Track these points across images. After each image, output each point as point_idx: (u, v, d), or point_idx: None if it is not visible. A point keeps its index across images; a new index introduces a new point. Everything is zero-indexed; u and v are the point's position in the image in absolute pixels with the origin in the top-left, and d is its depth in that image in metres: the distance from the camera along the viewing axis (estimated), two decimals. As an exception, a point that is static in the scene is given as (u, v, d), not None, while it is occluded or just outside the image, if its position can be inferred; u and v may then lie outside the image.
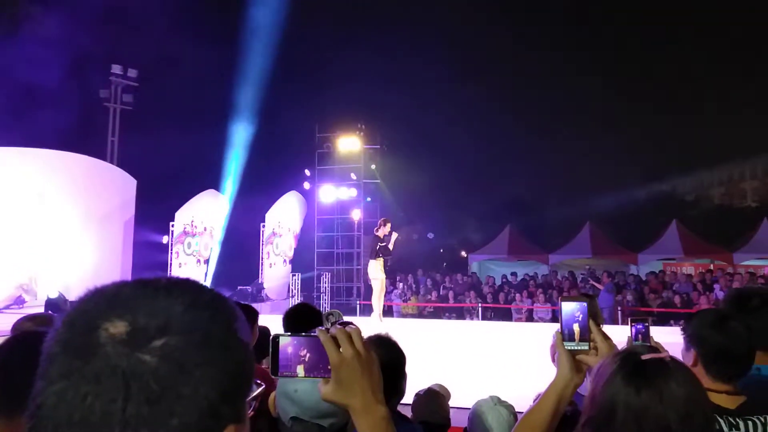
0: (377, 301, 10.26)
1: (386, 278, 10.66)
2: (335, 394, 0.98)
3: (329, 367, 0.98)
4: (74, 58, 15.02)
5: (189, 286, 0.66)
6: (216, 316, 0.64)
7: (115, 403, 0.55)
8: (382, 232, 9.93)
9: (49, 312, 9.06)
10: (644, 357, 1.12)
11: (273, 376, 1.03)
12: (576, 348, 1.34)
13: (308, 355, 0.99)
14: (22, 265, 12.12)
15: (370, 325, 9.85)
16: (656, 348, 1.22)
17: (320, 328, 1.02)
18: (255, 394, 0.68)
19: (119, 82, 18.64)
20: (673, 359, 1.13)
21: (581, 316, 1.35)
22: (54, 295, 10.80)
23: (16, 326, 2.47)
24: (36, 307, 11.06)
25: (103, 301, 0.62)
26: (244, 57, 20.25)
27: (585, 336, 1.34)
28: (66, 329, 0.60)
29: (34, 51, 15.41)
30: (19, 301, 11.82)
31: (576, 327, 1.35)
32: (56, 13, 15.54)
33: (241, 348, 0.65)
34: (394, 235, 9.99)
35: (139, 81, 18.76)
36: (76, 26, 15.90)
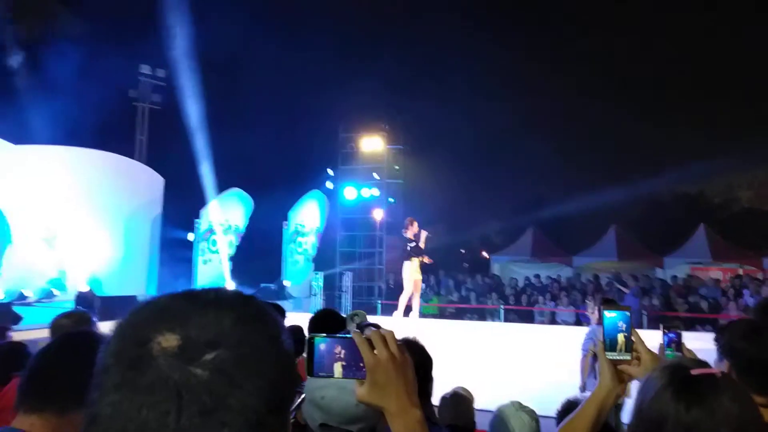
0: (415, 301, 10.14)
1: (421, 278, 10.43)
2: (370, 396, 0.99)
3: (364, 368, 0.99)
4: (104, 57, 15.33)
5: (237, 299, 0.68)
6: (263, 329, 0.66)
7: (168, 415, 0.56)
8: (410, 232, 9.79)
9: (80, 308, 9.29)
10: (694, 372, 1.09)
11: (309, 376, 1.05)
12: (618, 358, 1.33)
13: (343, 356, 1.00)
14: (52, 260, 12.41)
15: (403, 325, 9.87)
16: (704, 362, 1.20)
17: (355, 329, 1.03)
18: (296, 403, 0.70)
19: (148, 81, 18.99)
20: (724, 374, 1.11)
21: (625, 325, 1.35)
22: (84, 289, 11.05)
23: (54, 323, 2.56)
24: (66, 301, 11.32)
25: (153, 314, 0.64)
26: (270, 56, 20.44)
27: (627, 346, 1.34)
28: (118, 341, 0.62)
29: (64, 51, 15.78)
30: (49, 295, 12.11)
31: (621, 337, 1.34)
32: (86, 13, 15.90)
33: (286, 360, 0.67)
34: (424, 234, 9.84)
35: (167, 80, 19.07)
36: (106, 26, 16.24)
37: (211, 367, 0.59)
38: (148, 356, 0.59)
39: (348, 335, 1.02)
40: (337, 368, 1.00)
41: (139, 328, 0.62)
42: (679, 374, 1.11)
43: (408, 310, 10.21)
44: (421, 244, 9.77)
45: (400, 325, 9.78)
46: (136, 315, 0.65)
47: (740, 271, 15.79)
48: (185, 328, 0.61)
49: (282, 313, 3.12)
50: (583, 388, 5.69)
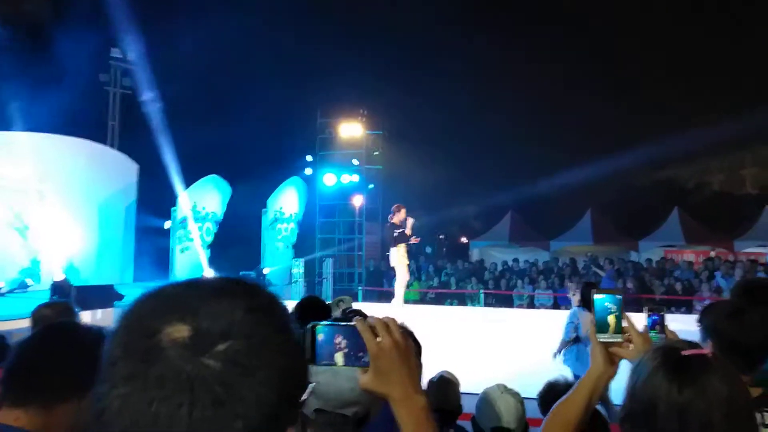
0: (399, 288, 10.21)
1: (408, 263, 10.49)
2: (374, 384, 0.99)
3: (366, 356, 0.98)
4: (74, 41, 14.88)
5: (246, 289, 0.67)
6: (273, 318, 0.65)
7: (181, 408, 0.55)
8: (397, 219, 9.81)
9: (56, 297, 9.10)
10: (685, 352, 1.11)
11: (311, 365, 1.04)
12: (609, 340, 1.34)
13: (345, 344, 0.99)
14: (25, 249, 12.14)
15: (390, 312, 9.90)
16: (696, 343, 1.22)
17: (357, 317, 1.02)
18: (307, 393, 0.69)
19: (119, 65, 18.53)
20: (714, 354, 1.13)
21: (615, 307, 1.36)
22: (59, 278, 10.83)
23: (36, 313, 2.50)
24: (40, 290, 11.10)
25: (160, 304, 0.62)
26: (247, 41, 20.10)
27: (618, 328, 1.35)
28: (125, 333, 0.60)
29: (33, 35, 15.29)
30: (23, 285, 11.86)
31: (612, 318, 1.35)
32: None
33: (296, 349, 0.67)
34: (410, 220, 9.86)
35: (138, 65, 18.63)
36: (75, 9, 15.76)
37: (223, 358, 0.58)
38: (157, 348, 0.57)
39: (350, 323, 1.00)
40: (339, 357, 0.99)
41: (146, 318, 0.61)
42: (671, 355, 1.12)
43: (390, 296, 10.26)
44: (408, 231, 9.80)
45: (392, 313, 9.83)
46: (142, 305, 0.63)
47: (712, 254, 16.20)
48: (196, 318, 0.60)
49: None
50: (555, 356, 5.78)
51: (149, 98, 16.27)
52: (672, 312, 10.96)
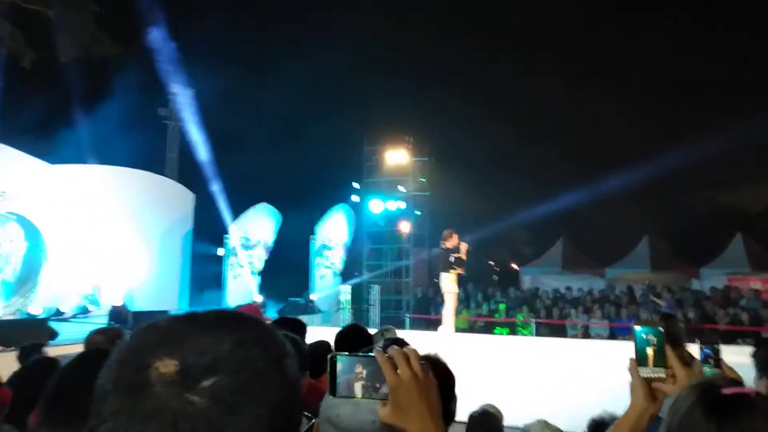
0: (450, 314, 10.07)
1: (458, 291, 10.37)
2: (393, 417, 0.96)
3: (386, 388, 0.96)
4: (136, 78, 15.81)
5: (237, 321, 0.65)
6: (264, 353, 0.63)
7: None
8: (451, 244, 9.71)
9: (114, 323, 9.48)
10: (726, 391, 1.05)
11: (331, 396, 1.03)
12: (652, 375, 1.28)
13: (365, 375, 0.98)
14: (87, 276, 12.74)
15: (443, 340, 9.79)
16: (737, 380, 1.14)
17: (377, 348, 1.01)
18: (305, 429, 0.68)
19: (178, 100, 19.48)
20: (758, 394, 1.06)
21: (656, 340, 1.30)
22: (118, 304, 11.28)
23: (88, 339, 2.60)
24: (100, 316, 11.59)
25: (153, 338, 0.62)
26: (295, 72, 20.76)
27: (660, 362, 1.29)
28: (118, 366, 0.61)
29: (98, 72, 16.33)
30: (84, 311, 12.41)
31: (650, 351, 1.29)
32: (120, 37, 16.43)
33: (289, 386, 0.64)
34: (464, 246, 9.75)
35: (195, 99, 19.53)
36: (138, 48, 16.75)
37: (208, 395, 0.57)
38: (146, 383, 0.57)
39: (370, 354, 0.99)
40: (358, 388, 0.98)
41: (138, 353, 0.60)
42: (710, 393, 1.07)
43: (438, 323, 10.09)
44: (463, 256, 9.67)
45: (437, 340, 9.71)
46: (136, 339, 0.63)
47: (781, 281, 15.21)
48: (183, 353, 0.59)
49: (302, 328, 3.10)
50: None
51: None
52: (738, 344, 10.31)
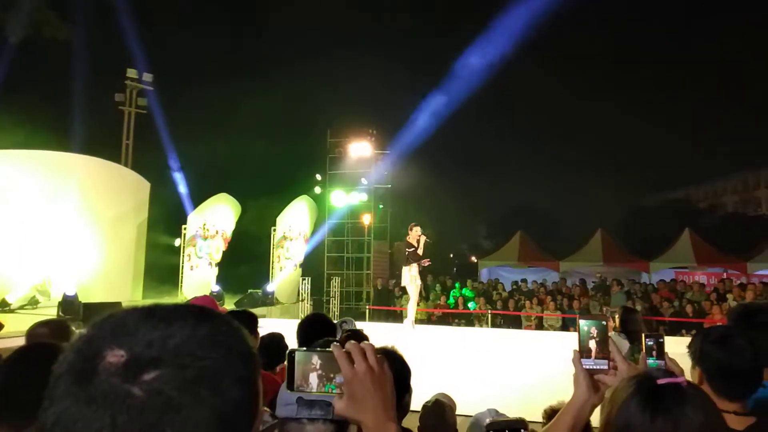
0: (411, 307, 10.15)
1: (421, 283, 10.42)
2: (347, 410, 0.97)
3: (342, 382, 0.98)
4: (90, 62, 15.25)
5: (193, 315, 0.63)
6: (215, 350, 0.61)
7: None
8: (413, 238, 9.81)
9: (63, 315, 9.17)
10: (660, 381, 1.11)
11: (289, 391, 1.04)
12: (594, 366, 1.33)
13: (321, 369, 1.00)
14: (37, 266, 12.27)
15: (403, 332, 9.87)
16: (672, 371, 1.20)
17: (335, 342, 1.02)
18: (264, 429, 0.66)
19: (134, 86, 18.90)
20: (689, 384, 1.12)
21: (598, 333, 1.34)
22: (69, 295, 10.91)
23: (31, 332, 2.51)
24: (50, 307, 11.19)
25: (109, 327, 0.61)
26: (258, 63, 20.43)
27: (603, 354, 1.33)
28: (73, 352, 0.60)
29: (51, 56, 15.68)
30: (33, 302, 11.96)
31: (593, 344, 1.34)
32: (73, 19, 15.81)
33: (240, 386, 0.61)
34: (423, 239, 9.85)
35: (154, 85, 18.99)
36: (92, 32, 16.15)
37: (148, 388, 0.56)
38: (93, 371, 0.57)
39: (327, 349, 1.01)
40: (313, 379, 1.00)
41: (93, 341, 0.60)
42: (645, 384, 1.12)
43: (397, 315, 10.21)
44: (420, 250, 9.77)
45: (396, 332, 9.79)
46: (95, 328, 0.62)
47: (724, 275, 15.96)
48: (132, 345, 0.58)
49: (253, 320, 3.08)
50: None
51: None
52: (683, 335, 10.79)
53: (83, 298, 11.09)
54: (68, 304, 10.74)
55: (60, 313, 10.19)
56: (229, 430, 0.60)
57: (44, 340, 2.06)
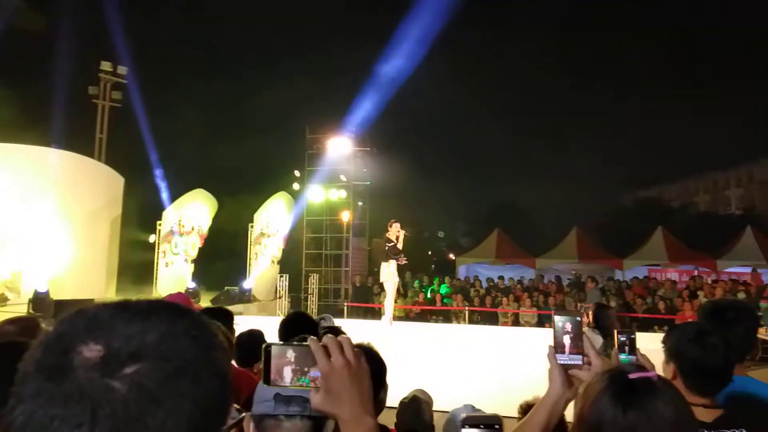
0: (389, 304, 10.17)
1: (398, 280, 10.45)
2: (324, 404, 0.97)
3: (319, 376, 0.97)
4: (64, 54, 14.91)
5: (168, 311, 0.64)
6: (193, 344, 0.62)
7: (80, 429, 0.54)
8: (392, 234, 9.81)
9: (35, 312, 8.96)
10: (632, 376, 1.13)
11: (265, 385, 1.03)
12: (568, 362, 1.34)
13: (297, 364, 0.99)
14: (6, 262, 11.96)
15: (381, 328, 9.88)
16: (644, 366, 1.23)
17: (312, 337, 1.01)
18: (233, 423, 0.67)
19: (108, 78, 18.52)
20: (660, 378, 1.14)
21: (572, 328, 1.36)
22: (40, 292, 10.68)
23: (-2, 330, 2.44)
24: (20, 304, 10.92)
25: (81, 322, 0.61)
26: (235, 57, 20.19)
27: (577, 350, 1.35)
28: (42, 349, 0.59)
29: (24, 47, 15.28)
30: (2, 299, 11.66)
31: (567, 340, 1.35)
32: (47, 10, 15.42)
33: (217, 380, 0.63)
34: (402, 234, 9.86)
35: (128, 78, 18.65)
36: (66, 23, 15.78)
37: (129, 382, 0.56)
38: (68, 366, 0.56)
39: (303, 343, 1.00)
40: (287, 373, 0.99)
41: (64, 336, 0.59)
42: (617, 379, 1.14)
43: (375, 312, 10.23)
44: (399, 246, 9.79)
45: (374, 328, 9.80)
46: (63, 324, 0.61)
47: (695, 273, 16.35)
48: (109, 339, 0.58)
49: (228, 317, 3.04)
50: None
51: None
52: (655, 331, 11.02)
53: (55, 295, 10.85)
54: (39, 301, 10.51)
55: (30, 311, 9.97)
56: (208, 422, 0.61)
57: (12, 338, 1.99)
